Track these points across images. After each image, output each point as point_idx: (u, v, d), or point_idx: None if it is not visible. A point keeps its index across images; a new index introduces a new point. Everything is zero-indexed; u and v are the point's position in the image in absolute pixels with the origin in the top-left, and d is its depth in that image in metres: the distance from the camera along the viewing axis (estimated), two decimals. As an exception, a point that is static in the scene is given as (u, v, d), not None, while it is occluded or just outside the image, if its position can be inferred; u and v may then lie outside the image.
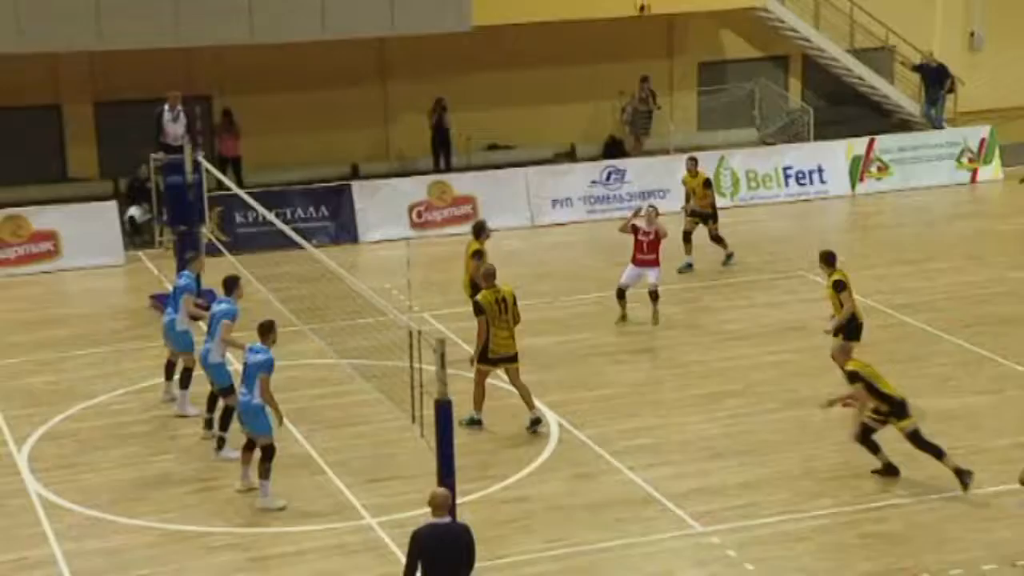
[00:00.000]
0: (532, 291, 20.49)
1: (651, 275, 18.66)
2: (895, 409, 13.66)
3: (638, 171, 25.00)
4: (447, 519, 10.38)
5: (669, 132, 27.53)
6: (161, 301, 19.70)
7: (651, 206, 19.23)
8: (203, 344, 15.05)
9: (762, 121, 28.98)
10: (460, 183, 24.18)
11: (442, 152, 26.17)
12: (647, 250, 18.66)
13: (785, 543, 12.97)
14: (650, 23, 27.36)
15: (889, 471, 13.89)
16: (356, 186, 23.84)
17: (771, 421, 15.72)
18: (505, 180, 24.46)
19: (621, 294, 18.71)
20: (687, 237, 20.98)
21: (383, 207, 23.55)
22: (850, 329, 15.76)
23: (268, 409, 13.52)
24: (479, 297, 15.28)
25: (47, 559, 12.66)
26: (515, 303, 15.32)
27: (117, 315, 19.86)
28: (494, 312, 15.09)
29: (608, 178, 24.76)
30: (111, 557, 12.68)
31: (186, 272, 16.27)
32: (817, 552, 12.81)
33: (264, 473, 13.48)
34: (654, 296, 18.62)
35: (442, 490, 10.60)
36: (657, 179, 24.92)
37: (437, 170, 25.63)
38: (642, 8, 20.61)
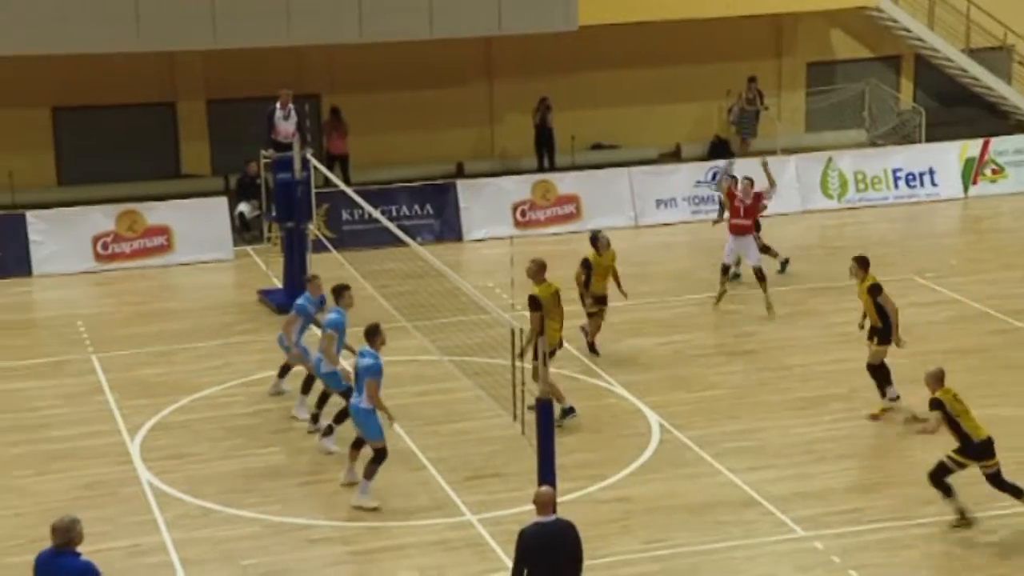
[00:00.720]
0: (635, 292, 20.35)
1: (751, 254, 18.89)
2: (973, 449, 12.79)
3: (744, 171, 24.71)
4: (552, 517, 10.39)
5: (776, 133, 27.25)
6: (268, 296, 20.01)
7: (746, 178, 19.36)
8: (315, 354, 15.11)
9: (872, 122, 28.58)
10: (564, 183, 24.18)
11: (545, 151, 26.20)
12: (744, 215, 19.00)
13: (890, 550, 12.77)
14: (758, 23, 27.13)
15: (962, 522, 12.94)
16: (461, 184, 23.95)
17: (876, 425, 15.50)
18: (609, 180, 24.40)
19: (725, 270, 19.12)
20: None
21: (487, 206, 23.63)
22: (885, 332, 15.54)
23: (378, 413, 13.60)
24: (537, 292, 15.22)
25: (158, 546, 12.91)
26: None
27: (226, 309, 20.15)
28: (551, 305, 15.13)
29: (713, 178, 24.57)
30: (218, 546, 12.88)
31: (306, 294, 15.89)
32: (922, 561, 12.61)
33: (369, 473, 13.58)
34: (760, 276, 18.72)
35: (547, 489, 10.60)
36: (762, 180, 24.55)
37: (541, 169, 25.66)
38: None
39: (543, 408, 11.64)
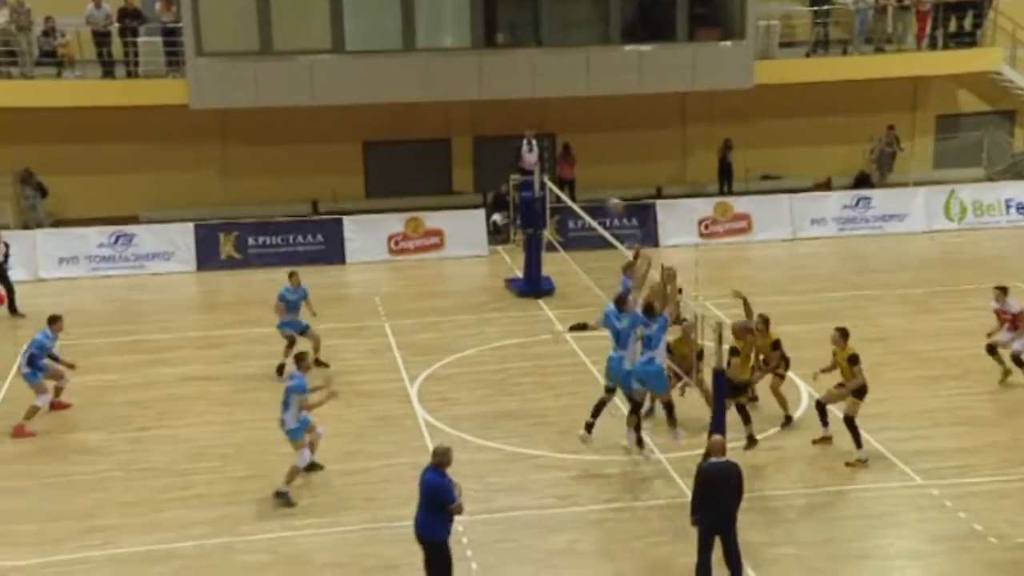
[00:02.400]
0: (790, 290, 19.92)
1: (1016, 343, 15.11)
2: None
3: (882, 198, 23.87)
4: (724, 459, 10.27)
5: (909, 169, 26.08)
6: (512, 284, 20.22)
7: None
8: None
9: (989, 162, 27.02)
10: (738, 204, 23.69)
11: (726, 180, 25.70)
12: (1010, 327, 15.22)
13: (994, 499, 12.15)
14: (898, 83, 26.01)
15: None
16: (659, 204, 23.71)
17: (985, 401, 14.73)
18: (774, 202, 23.78)
19: (991, 350, 15.22)
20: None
21: (678, 220, 23.34)
22: (860, 391, 12.94)
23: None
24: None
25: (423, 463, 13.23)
26: None
27: (481, 292, 20.44)
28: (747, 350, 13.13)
29: (857, 204, 23.75)
30: (471, 467, 13.10)
31: (625, 279, 14.69)
32: (1020, 508, 11.95)
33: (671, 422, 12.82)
34: (1018, 361, 15.09)
35: (719, 437, 10.49)
36: (897, 206, 23.74)
37: (721, 193, 25.17)
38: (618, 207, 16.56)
39: (718, 376, 11.49)
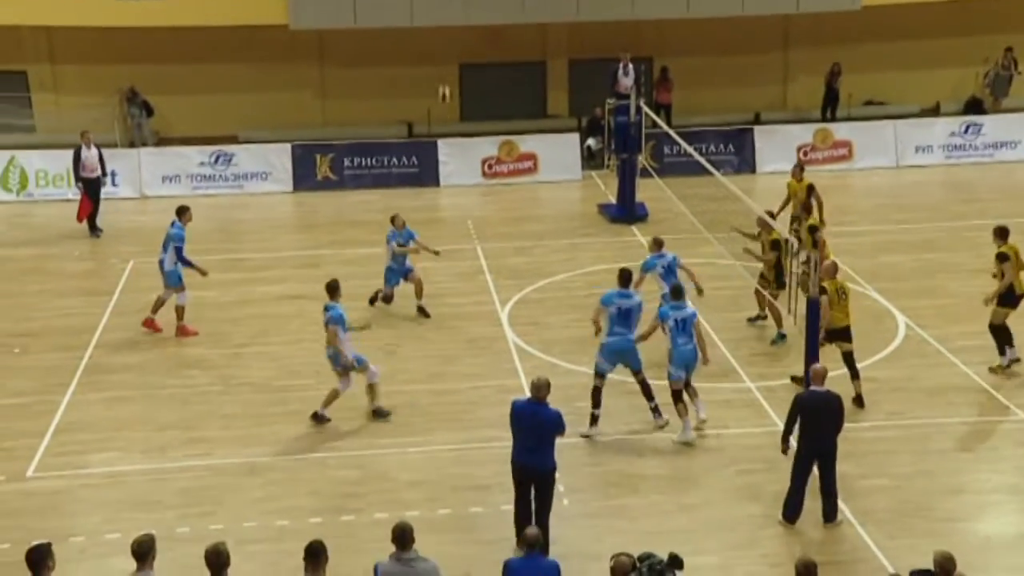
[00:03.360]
0: (892, 219, 19.33)
1: None
2: None
3: (993, 125, 22.84)
4: (824, 388, 10.13)
5: (1025, 94, 24.91)
6: (605, 209, 20.03)
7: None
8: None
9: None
10: (840, 131, 22.95)
11: (830, 106, 24.84)
12: None
13: (1096, 438, 11.72)
14: (1016, 1, 24.69)
15: None
16: (757, 130, 23.11)
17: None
18: (876, 129, 22.96)
19: None
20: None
21: (777, 147, 22.73)
22: (1008, 297, 13.11)
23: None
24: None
25: (517, 388, 13.24)
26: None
27: (573, 218, 20.31)
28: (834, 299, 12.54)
29: (966, 131, 22.78)
30: (560, 391, 12.97)
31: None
32: (1124, 448, 11.51)
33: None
34: None
35: (821, 366, 10.34)
36: (1009, 133, 22.69)
37: (823, 120, 24.38)
38: (444, 98, 15.79)
39: (812, 306, 11.22)
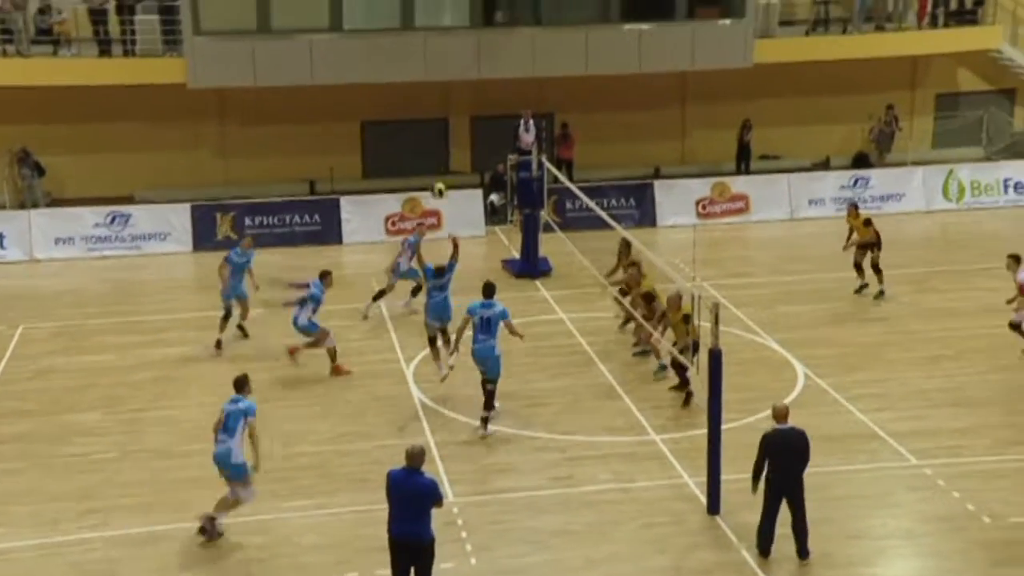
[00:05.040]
0: (789, 270, 19.87)
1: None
2: None
3: (880, 178, 23.76)
4: (788, 425, 10.29)
5: (908, 149, 25.96)
6: (509, 264, 20.15)
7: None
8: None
9: (988, 141, 26.90)
10: (736, 184, 23.59)
11: (743, 161, 25.39)
12: None
13: (987, 479, 12.12)
14: (897, 62, 25.85)
15: None
16: (657, 184, 23.61)
17: (980, 382, 14.69)
18: (771, 183, 23.66)
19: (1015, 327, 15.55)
20: (858, 268, 18.16)
21: (676, 200, 23.25)
22: None
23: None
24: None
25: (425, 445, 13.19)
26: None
27: (478, 273, 20.17)
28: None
29: (855, 184, 23.64)
30: (465, 448, 13.10)
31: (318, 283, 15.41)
32: (1014, 488, 11.93)
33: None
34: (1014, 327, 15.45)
35: (782, 404, 10.51)
36: (895, 185, 23.63)
37: (738, 173, 24.77)
38: (439, 193, 17.26)
39: (715, 357, 11.42)
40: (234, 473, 11.12)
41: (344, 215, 22.30)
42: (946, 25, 25.53)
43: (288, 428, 13.69)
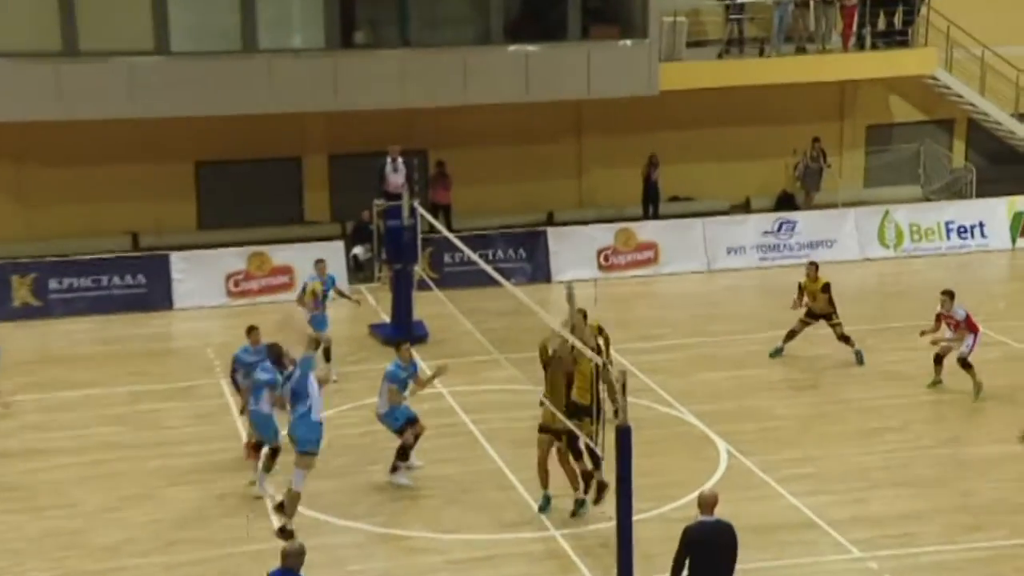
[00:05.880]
0: (706, 330, 20.23)
1: (965, 343, 16.89)
2: None
3: (808, 223, 24.47)
4: (714, 517, 10.31)
5: (838, 187, 26.87)
6: (378, 330, 20.05)
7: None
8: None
9: (926, 179, 28.04)
10: (644, 231, 24.02)
11: (651, 203, 25.87)
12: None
13: (941, 572, 12.42)
14: (823, 89, 26.82)
15: None
16: (551, 231, 23.89)
17: (927, 456, 15.12)
18: (684, 229, 24.17)
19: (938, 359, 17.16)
20: (792, 335, 18.49)
21: (574, 250, 23.54)
22: None
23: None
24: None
25: (273, 554, 12.89)
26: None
27: (341, 341, 20.11)
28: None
29: (779, 229, 24.30)
30: (329, 553, 12.86)
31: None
32: (969, 582, 12.24)
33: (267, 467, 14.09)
34: (963, 364, 16.83)
35: (711, 491, 10.52)
36: (825, 231, 24.36)
37: (645, 217, 25.22)
38: (355, 258, 18.58)
39: (623, 435, 11.49)
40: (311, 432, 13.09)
41: (175, 274, 21.95)
42: (875, 47, 26.63)
43: (102, 539, 13.22)
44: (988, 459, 14.84)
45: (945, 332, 17.11)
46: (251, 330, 15.38)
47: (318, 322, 17.97)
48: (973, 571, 12.42)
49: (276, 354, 14.24)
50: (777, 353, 18.61)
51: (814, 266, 18.63)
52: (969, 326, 16.93)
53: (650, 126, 26.26)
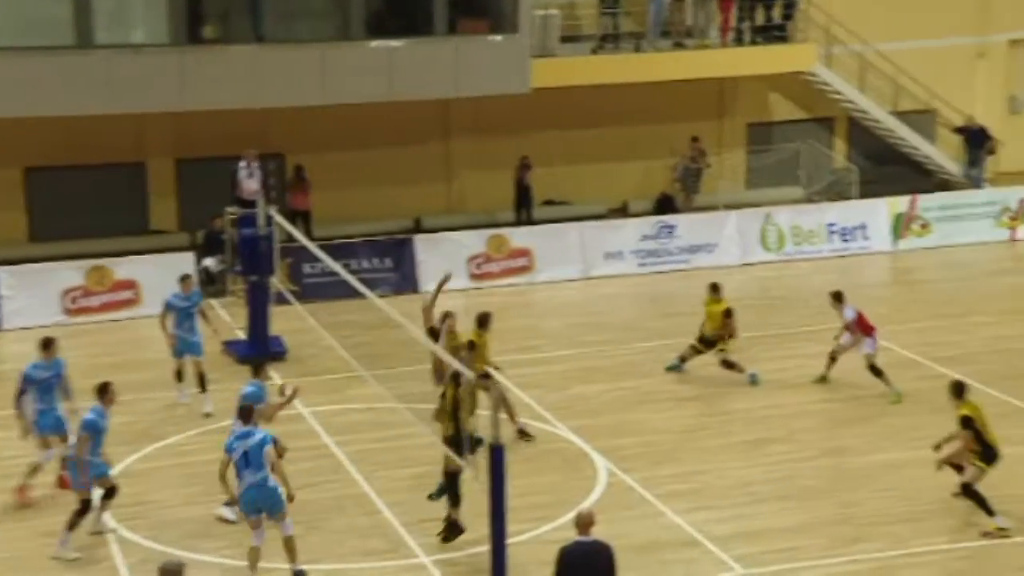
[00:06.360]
0: (584, 340, 20.47)
1: (865, 344, 17.62)
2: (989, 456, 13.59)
3: (688, 226, 24.92)
4: (591, 537, 10.43)
5: (718, 189, 27.45)
6: (232, 347, 19.85)
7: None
8: None
9: (808, 180, 28.80)
10: (517, 236, 24.20)
11: (524, 207, 26.05)
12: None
13: (824, 587, 12.78)
14: (701, 86, 27.37)
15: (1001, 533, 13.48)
16: (418, 239, 23.93)
17: (811, 468, 15.54)
18: (559, 234, 24.42)
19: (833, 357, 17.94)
20: (684, 358, 18.61)
21: (444, 259, 23.55)
22: (988, 456, 13.76)
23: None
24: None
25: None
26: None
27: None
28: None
29: (659, 233, 24.71)
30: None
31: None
32: (855, 596, 12.62)
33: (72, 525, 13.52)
34: (873, 370, 17.52)
35: (588, 510, 10.67)
36: (706, 234, 24.83)
37: (518, 223, 25.41)
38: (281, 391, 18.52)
39: (496, 453, 11.59)
40: (278, 503, 12.71)
41: (4, 291, 21.46)
42: (753, 42, 27.30)
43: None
44: (871, 469, 15.31)
45: (844, 338, 17.79)
46: (47, 343, 15.03)
47: (188, 346, 17.57)
48: (858, 585, 12.82)
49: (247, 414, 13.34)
50: (677, 367, 18.74)
51: (715, 287, 18.35)
52: (862, 327, 17.54)
53: (522, 126, 26.51)
